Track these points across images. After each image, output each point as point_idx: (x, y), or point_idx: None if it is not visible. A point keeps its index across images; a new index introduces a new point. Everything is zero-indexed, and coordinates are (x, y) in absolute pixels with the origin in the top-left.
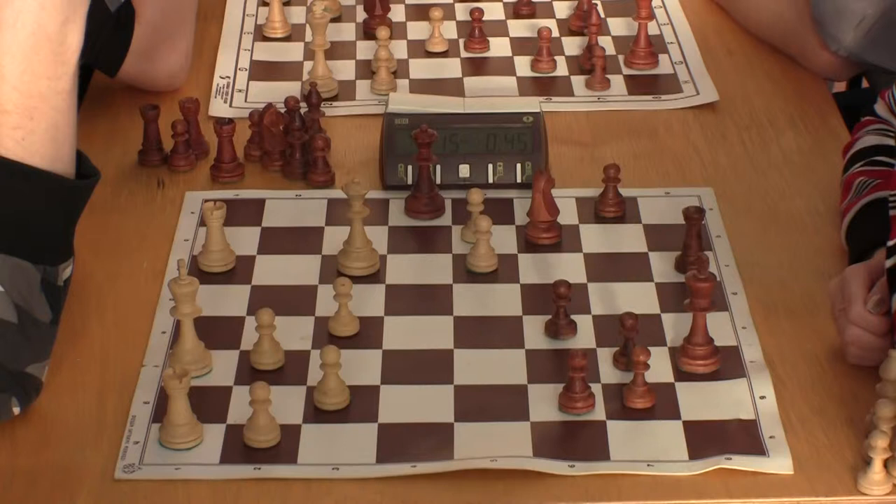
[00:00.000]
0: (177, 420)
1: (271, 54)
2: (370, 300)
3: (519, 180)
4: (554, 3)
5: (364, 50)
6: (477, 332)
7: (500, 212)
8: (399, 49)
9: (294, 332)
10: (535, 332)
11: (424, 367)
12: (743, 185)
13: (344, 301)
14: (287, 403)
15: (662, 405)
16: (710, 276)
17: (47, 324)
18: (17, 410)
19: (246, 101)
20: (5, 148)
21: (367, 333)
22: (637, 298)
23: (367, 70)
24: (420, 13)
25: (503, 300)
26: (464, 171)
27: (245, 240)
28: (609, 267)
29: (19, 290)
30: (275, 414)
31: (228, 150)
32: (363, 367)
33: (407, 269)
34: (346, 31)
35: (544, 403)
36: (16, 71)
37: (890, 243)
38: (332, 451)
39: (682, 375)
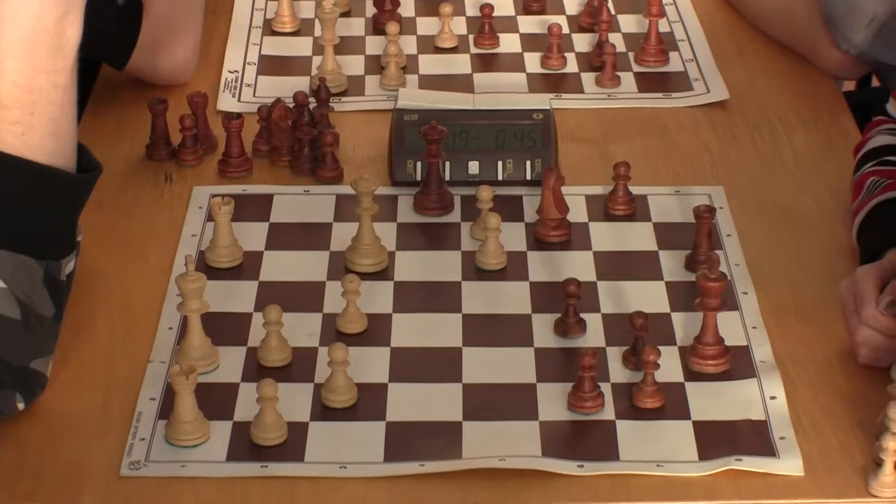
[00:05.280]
0: (183, 417)
1: (280, 49)
2: (378, 297)
3: (528, 177)
4: None
5: (373, 45)
6: (485, 330)
7: (510, 209)
8: (409, 44)
9: (301, 329)
10: (544, 330)
11: (433, 365)
12: (753, 183)
13: (352, 298)
14: (294, 401)
15: (672, 405)
16: (721, 275)
17: (50, 319)
18: (21, 406)
19: (254, 95)
20: (5, 143)
21: (376, 331)
22: (647, 297)
23: (376, 65)
24: (430, 9)
25: (512, 298)
26: (473, 167)
27: (253, 235)
28: (619, 265)
29: (22, 286)
30: (282, 411)
31: (236, 144)
32: (371, 364)
33: (415, 266)
34: (356, 26)
35: (553, 403)
36: (15, 66)
37: None
38: (339, 449)
39: (691, 375)
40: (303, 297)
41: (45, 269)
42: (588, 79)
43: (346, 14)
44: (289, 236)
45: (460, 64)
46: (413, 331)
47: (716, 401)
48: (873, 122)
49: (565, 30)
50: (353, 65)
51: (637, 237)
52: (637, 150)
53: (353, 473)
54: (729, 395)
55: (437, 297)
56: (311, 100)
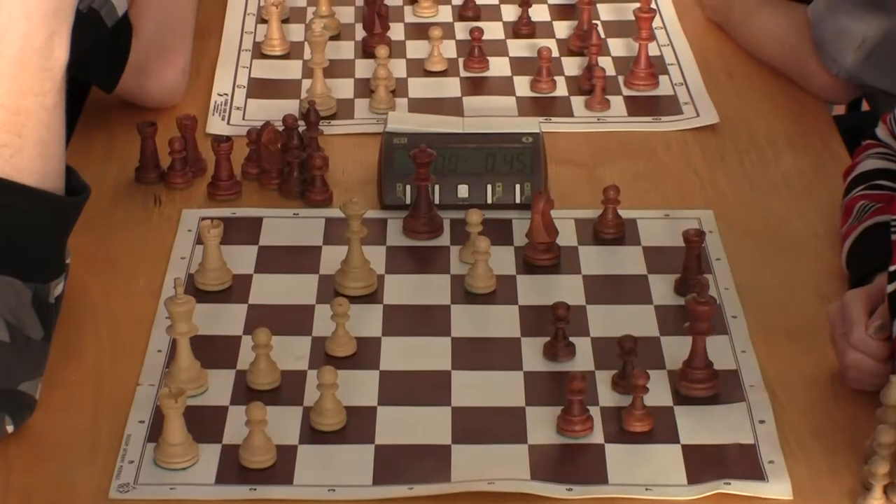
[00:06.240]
0: (172, 439)
1: (270, 72)
2: (367, 320)
3: (518, 201)
4: (554, 22)
5: (363, 68)
6: (475, 353)
7: (499, 232)
8: (398, 68)
9: (291, 352)
10: (533, 353)
11: (422, 389)
12: (743, 207)
13: (341, 321)
14: (283, 424)
15: (661, 429)
16: (710, 299)
17: (39, 341)
18: (10, 429)
19: (244, 118)
20: None
21: (365, 354)
22: (636, 321)
23: (365, 88)
24: (419, 32)
25: (501, 322)
26: (462, 191)
27: (242, 258)
28: (608, 289)
29: (10, 308)
30: (271, 434)
31: (226, 167)
32: (360, 387)
33: (405, 289)
34: (345, 50)
35: (542, 426)
36: (2, 87)
37: (891, 268)
38: (328, 472)
39: (681, 399)
40: (292, 320)
41: (34, 292)
42: (578, 102)
43: (335, 37)
44: (278, 259)
45: (450, 87)
46: (402, 354)
47: (705, 424)
48: (863, 146)
49: (555, 53)
50: (343, 88)
51: (626, 261)
52: (626, 174)
53: (341, 496)
54: (718, 418)
55: (426, 320)
56: (301, 123)
